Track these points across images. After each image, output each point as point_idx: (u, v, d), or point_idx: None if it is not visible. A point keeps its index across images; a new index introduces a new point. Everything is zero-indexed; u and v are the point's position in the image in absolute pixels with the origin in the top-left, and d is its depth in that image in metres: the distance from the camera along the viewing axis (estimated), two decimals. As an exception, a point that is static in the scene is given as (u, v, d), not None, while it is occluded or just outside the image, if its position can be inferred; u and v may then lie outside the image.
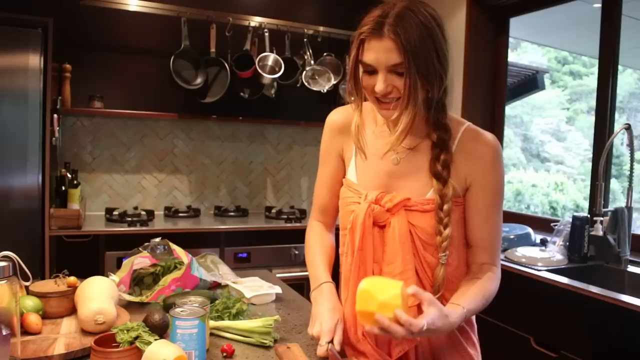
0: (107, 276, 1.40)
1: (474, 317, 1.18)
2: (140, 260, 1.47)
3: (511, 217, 2.85)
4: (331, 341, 1.04)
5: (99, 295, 1.20)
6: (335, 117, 1.22)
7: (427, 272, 1.08)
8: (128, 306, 1.37)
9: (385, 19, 0.97)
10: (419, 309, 0.98)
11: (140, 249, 1.54)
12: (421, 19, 0.97)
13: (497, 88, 3.11)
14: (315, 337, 1.06)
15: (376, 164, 1.13)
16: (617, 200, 3.25)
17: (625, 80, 4.75)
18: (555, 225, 2.37)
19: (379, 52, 0.97)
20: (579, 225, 2.18)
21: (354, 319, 1.10)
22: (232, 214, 3.20)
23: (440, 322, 0.95)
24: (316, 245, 1.26)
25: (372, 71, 1.01)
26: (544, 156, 5.75)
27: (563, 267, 2.09)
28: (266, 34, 3.11)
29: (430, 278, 1.08)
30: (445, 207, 1.04)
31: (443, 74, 1.01)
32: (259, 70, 3.03)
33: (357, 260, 1.09)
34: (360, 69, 1.03)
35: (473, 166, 1.07)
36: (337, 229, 1.27)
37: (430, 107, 1.05)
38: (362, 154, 1.12)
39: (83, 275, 1.36)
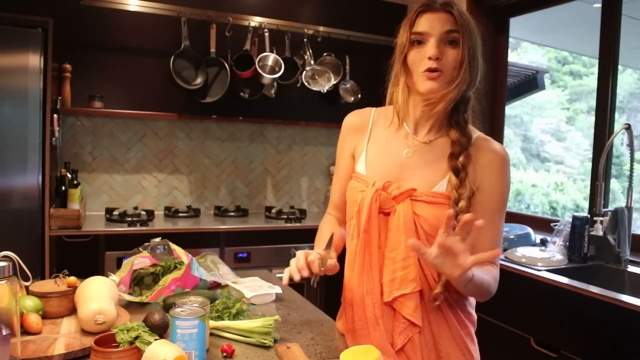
0: (107, 276, 1.40)
1: (474, 314, 1.20)
2: (140, 260, 1.47)
3: (511, 217, 2.85)
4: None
5: (99, 295, 1.20)
6: (352, 119, 1.28)
7: (427, 264, 1.09)
8: (128, 306, 1.37)
9: (436, 1, 1.08)
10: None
11: (140, 249, 1.54)
12: (467, 13, 1.09)
13: (497, 88, 3.11)
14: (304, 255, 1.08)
15: (387, 155, 1.17)
16: (617, 200, 3.25)
17: (625, 80, 4.74)
18: (555, 225, 2.37)
19: (434, 21, 1.07)
20: (579, 225, 2.18)
21: (359, 301, 1.12)
22: (232, 214, 3.20)
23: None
24: (327, 229, 1.28)
25: (421, 42, 1.08)
26: (544, 156, 5.74)
27: (563, 267, 2.09)
28: (266, 34, 3.11)
29: (431, 269, 1.10)
30: (461, 203, 1.08)
31: (478, 69, 1.09)
32: (259, 70, 3.03)
33: (362, 242, 1.11)
34: (407, 48, 1.10)
35: (482, 172, 1.11)
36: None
37: (458, 103, 1.11)
38: (398, 121, 1.17)
39: (83, 275, 1.36)
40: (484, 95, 1.18)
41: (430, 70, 1.06)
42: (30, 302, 1.20)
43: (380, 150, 1.19)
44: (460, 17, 1.05)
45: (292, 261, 1.09)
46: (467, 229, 0.93)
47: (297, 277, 1.07)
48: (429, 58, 1.06)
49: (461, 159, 1.10)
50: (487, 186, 1.11)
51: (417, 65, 1.09)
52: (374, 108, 1.26)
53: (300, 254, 1.08)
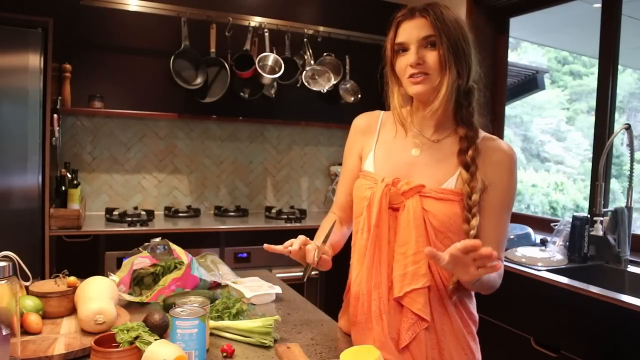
0: (107, 276, 1.40)
1: (476, 313, 1.20)
2: (140, 260, 1.47)
3: (511, 217, 2.84)
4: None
5: (99, 295, 1.20)
6: (360, 121, 1.31)
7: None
8: (128, 306, 1.37)
9: (415, 7, 1.12)
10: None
11: (140, 249, 1.54)
12: (448, 10, 1.11)
13: (497, 88, 3.11)
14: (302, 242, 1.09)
15: (396, 154, 1.19)
16: (617, 200, 3.24)
17: (625, 80, 4.74)
18: (555, 225, 2.37)
19: (411, 29, 1.10)
20: (579, 225, 2.18)
21: (366, 294, 1.13)
22: (232, 214, 3.20)
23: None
24: (328, 225, 1.28)
25: (405, 50, 1.12)
26: (544, 156, 5.74)
27: (563, 267, 2.09)
28: (266, 34, 3.11)
29: (438, 267, 1.10)
30: (474, 197, 1.09)
31: (471, 60, 1.11)
32: (259, 70, 3.03)
33: (373, 236, 1.13)
34: (394, 57, 1.14)
35: (492, 170, 1.13)
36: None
37: (459, 98, 1.13)
38: (403, 129, 1.19)
39: (83, 275, 1.36)
40: (485, 85, 1.19)
41: (413, 76, 1.10)
42: (30, 302, 1.20)
43: (389, 149, 1.21)
44: (435, 20, 1.08)
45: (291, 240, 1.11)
46: (483, 262, 0.94)
47: (285, 247, 1.09)
48: (411, 65, 1.10)
49: (470, 152, 1.12)
50: (497, 184, 1.13)
51: (402, 73, 1.13)
52: (383, 111, 1.28)
53: (300, 237, 1.10)
